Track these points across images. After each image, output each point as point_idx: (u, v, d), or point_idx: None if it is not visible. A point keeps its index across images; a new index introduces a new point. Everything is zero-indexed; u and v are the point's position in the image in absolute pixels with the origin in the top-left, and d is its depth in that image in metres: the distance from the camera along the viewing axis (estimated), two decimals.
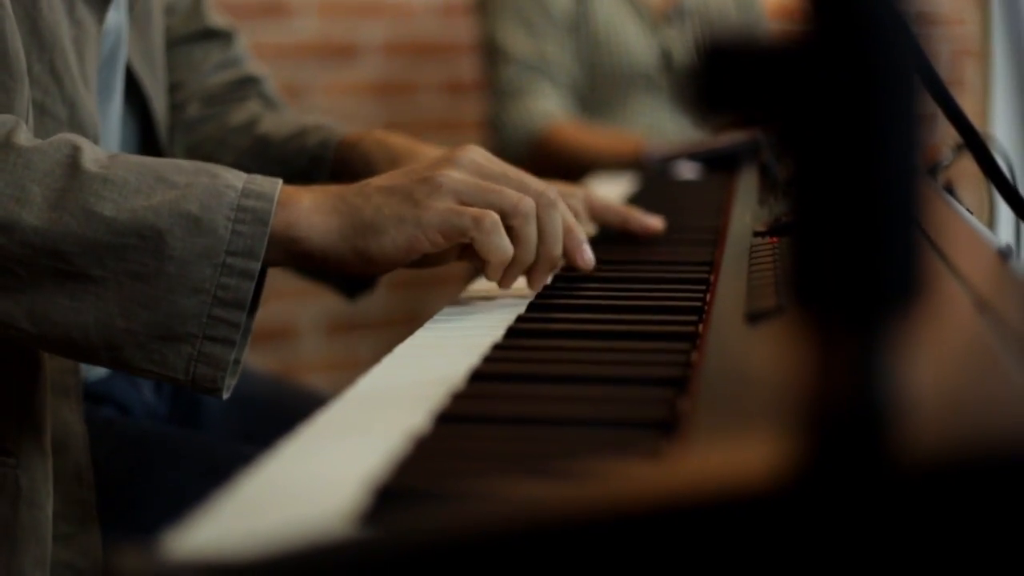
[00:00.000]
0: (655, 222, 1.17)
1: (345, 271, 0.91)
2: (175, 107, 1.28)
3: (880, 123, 0.33)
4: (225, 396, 0.87)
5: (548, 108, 2.37)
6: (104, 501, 1.01)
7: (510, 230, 0.91)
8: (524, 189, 0.93)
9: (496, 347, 0.77)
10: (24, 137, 0.85)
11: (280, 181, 0.88)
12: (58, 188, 0.83)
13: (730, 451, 0.41)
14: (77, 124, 0.96)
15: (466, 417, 0.62)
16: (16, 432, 0.94)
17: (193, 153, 1.25)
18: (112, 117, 1.10)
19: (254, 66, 1.34)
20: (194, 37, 1.30)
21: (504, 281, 0.93)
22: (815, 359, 0.35)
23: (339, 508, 0.50)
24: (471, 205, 0.89)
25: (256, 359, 1.49)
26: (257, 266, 0.84)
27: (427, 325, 0.88)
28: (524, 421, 0.61)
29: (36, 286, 0.83)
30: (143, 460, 1.10)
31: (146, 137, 1.19)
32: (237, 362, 0.86)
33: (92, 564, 0.97)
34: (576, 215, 1.08)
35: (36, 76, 0.93)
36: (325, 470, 0.56)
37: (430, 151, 1.12)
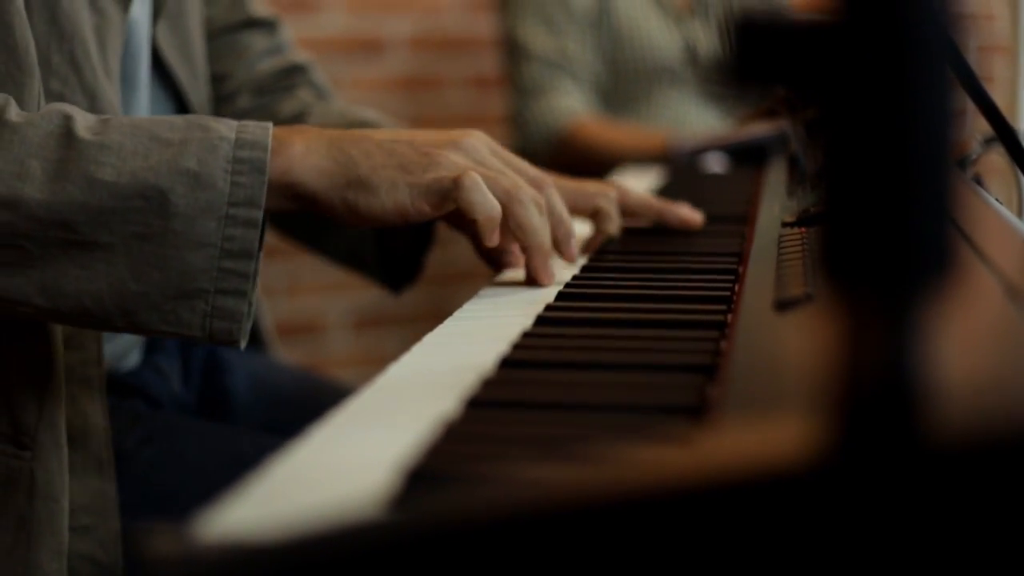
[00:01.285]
0: (693, 216, 1.17)
1: (331, 216, 0.92)
2: (224, 98, 1.29)
3: (912, 100, 0.33)
4: (242, 346, 0.88)
5: (571, 105, 2.37)
6: (132, 492, 1.01)
7: (513, 217, 0.93)
8: (521, 175, 0.96)
9: (525, 335, 0.76)
10: (15, 112, 0.86)
11: (270, 126, 0.89)
12: (56, 159, 0.84)
13: (760, 433, 0.41)
14: (98, 114, 0.96)
15: (496, 403, 0.62)
16: (32, 426, 0.94)
17: None
18: (139, 109, 1.10)
19: (300, 54, 1.35)
20: (237, 26, 1.31)
21: (536, 269, 0.95)
22: (846, 336, 0.35)
23: (369, 491, 0.50)
24: None
25: (283, 354, 1.50)
26: (260, 214, 0.85)
27: (456, 315, 0.88)
28: (554, 407, 0.61)
29: (46, 259, 0.84)
30: (171, 451, 1.10)
31: None
32: (249, 310, 0.87)
33: (112, 556, 0.98)
34: (607, 215, 1.08)
35: (55, 67, 0.94)
36: (355, 454, 0.56)
37: None
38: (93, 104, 0.96)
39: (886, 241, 0.33)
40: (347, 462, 0.55)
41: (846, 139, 0.33)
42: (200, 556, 0.40)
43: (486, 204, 0.90)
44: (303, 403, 1.30)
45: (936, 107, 0.33)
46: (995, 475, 0.34)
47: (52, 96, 0.94)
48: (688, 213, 1.17)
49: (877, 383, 0.35)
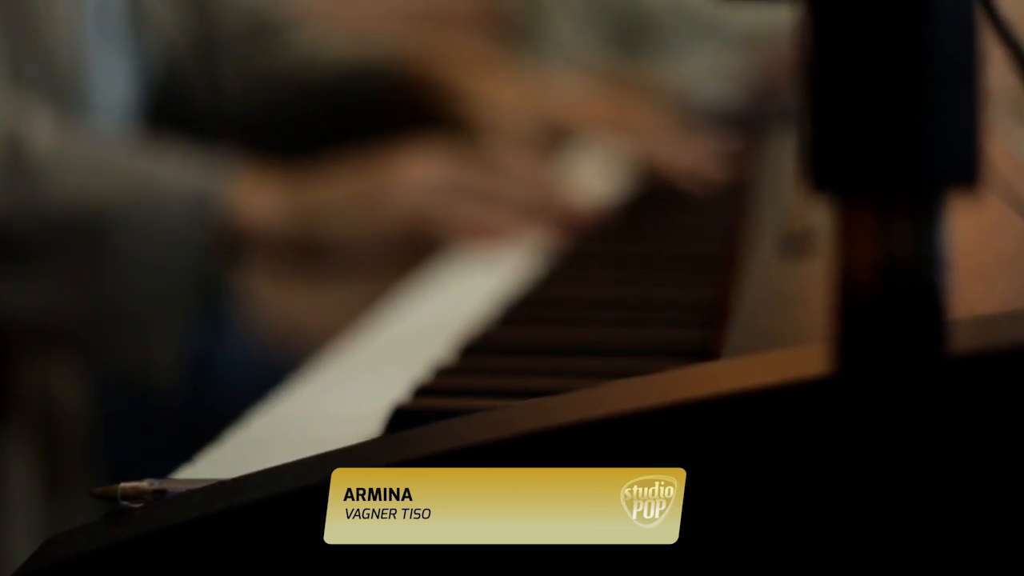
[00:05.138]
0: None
1: (290, 273, 0.91)
2: (215, 41, 1.23)
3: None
4: (170, 384, 0.87)
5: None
6: (115, 471, 0.99)
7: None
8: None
9: (522, 284, 0.75)
10: None
11: (234, 175, 0.87)
12: (6, 171, 0.82)
13: (783, 351, 0.39)
14: (61, 83, 0.94)
15: (493, 347, 0.60)
16: None
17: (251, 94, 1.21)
18: (111, 66, 1.06)
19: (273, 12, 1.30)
20: None
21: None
22: (862, 246, 0.33)
23: (352, 434, 0.48)
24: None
25: (255, 320, 1.47)
26: (208, 256, 0.84)
27: (445, 266, 0.86)
28: (550, 351, 0.59)
29: None
30: (153, 428, 1.08)
31: (171, 83, 1.14)
32: (183, 350, 0.86)
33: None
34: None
35: (10, 31, 0.91)
36: (339, 400, 0.56)
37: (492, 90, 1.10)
38: (55, 73, 0.94)
39: (909, 142, 0.31)
40: (328, 408, 0.55)
41: (868, 37, 0.31)
42: (170, 499, 0.38)
43: (460, 227, 0.87)
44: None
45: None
46: (1013, 379, 0.33)
47: (10, 63, 0.91)
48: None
49: (893, 294, 0.33)
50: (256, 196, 0.87)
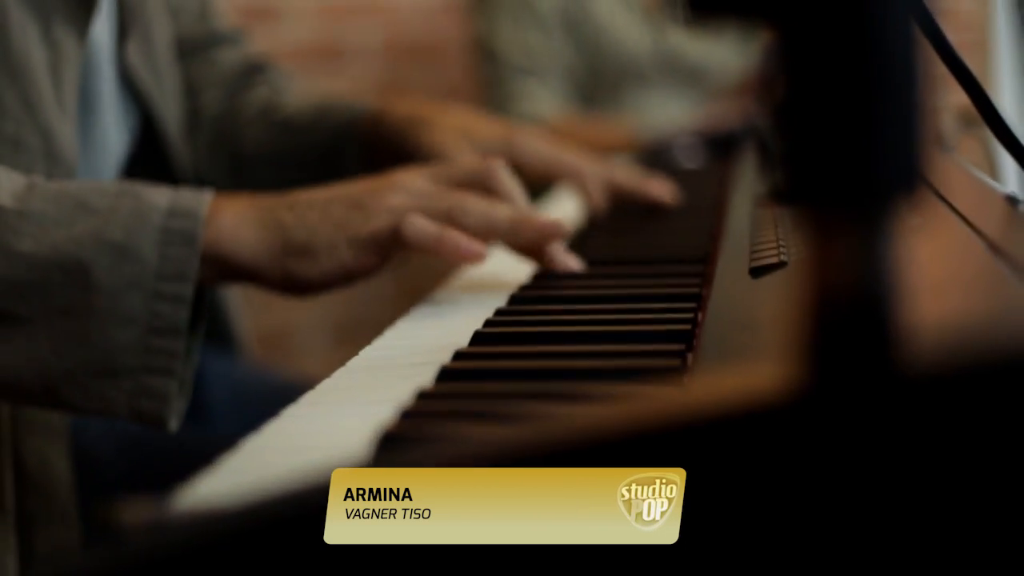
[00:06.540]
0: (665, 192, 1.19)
1: (273, 289, 0.87)
2: (195, 110, 1.26)
3: (879, 10, 0.32)
4: (173, 427, 0.82)
5: (536, 110, 2.38)
6: (107, 502, 0.98)
7: (470, 231, 0.85)
8: (465, 182, 0.89)
9: (500, 312, 0.76)
10: None
11: (207, 196, 0.83)
12: None
13: (736, 376, 0.41)
14: (53, 153, 0.93)
15: (470, 373, 0.61)
16: None
17: (215, 148, 1.23)
18: (102, 133, 1.07)
19: (261, 57, 1.32)
20: (205, 43, 1.28)
21: (540, 259, 0.89)
22: (816, 262, 0.34)
23: (343, 458, 0.49)
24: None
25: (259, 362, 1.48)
26: (189, 289, 0.80)
27: (427, 300, 0.87)
28: (530, 376, 0.60)
29: None
30: (146, 461, 1.08)
31: (152, 143, 1.16)
32: (183, 386, 0.83)
33: None
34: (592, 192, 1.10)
35: (8, 107, 0.90)
36: (330, 426, 0.56)
37: (443, 119, 1.12)
38: (48, 143, 0.92)
39: (854, 155, 0.33)
40: (320, 433, 0.55)
41: (811, 48, 0.32)
42: (168, 521, 0.39)
43: (431, 238, 0.83)
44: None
45: (902, 16, 0.32)
46: (969, 401, 0.34)
47: (5, 139, 0.90)
48: (662, 191, 1.18)
49: (850, 308, 0.34)
50: (226, 204, 0.84)
